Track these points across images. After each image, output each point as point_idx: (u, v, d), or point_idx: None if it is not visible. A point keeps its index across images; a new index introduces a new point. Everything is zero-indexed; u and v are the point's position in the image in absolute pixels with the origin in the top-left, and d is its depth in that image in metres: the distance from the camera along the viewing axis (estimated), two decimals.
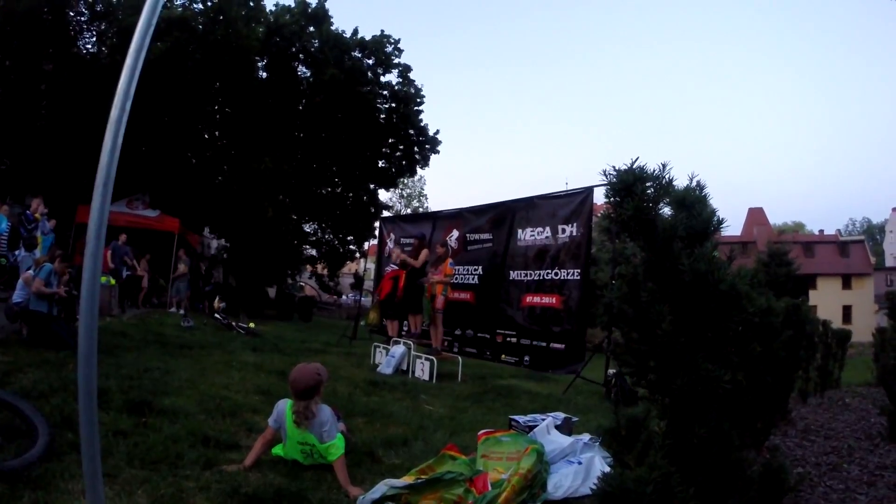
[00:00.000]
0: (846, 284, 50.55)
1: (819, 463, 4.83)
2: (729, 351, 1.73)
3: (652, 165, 1.97)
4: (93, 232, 1.81)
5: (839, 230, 66.34)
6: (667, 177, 1.90)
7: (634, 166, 1.91)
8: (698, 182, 1.91)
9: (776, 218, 73.48)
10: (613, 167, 2.01)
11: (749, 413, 1.78)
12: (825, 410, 7.89)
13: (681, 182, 1.97)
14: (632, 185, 1.87)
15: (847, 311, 47.83)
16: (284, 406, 3.94)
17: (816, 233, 62.20)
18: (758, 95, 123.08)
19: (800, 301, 6.68)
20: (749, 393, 1.78)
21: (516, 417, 4.48)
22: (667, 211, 1.86)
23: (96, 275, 1.82)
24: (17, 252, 11.25)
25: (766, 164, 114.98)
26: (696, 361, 1.68)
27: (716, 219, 1.87)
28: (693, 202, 1.85)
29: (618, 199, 1.91)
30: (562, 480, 3.40)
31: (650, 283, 1.83)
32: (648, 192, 1.84)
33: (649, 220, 1.82)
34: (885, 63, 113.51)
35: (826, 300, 45.91)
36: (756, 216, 57.89)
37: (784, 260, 8.87)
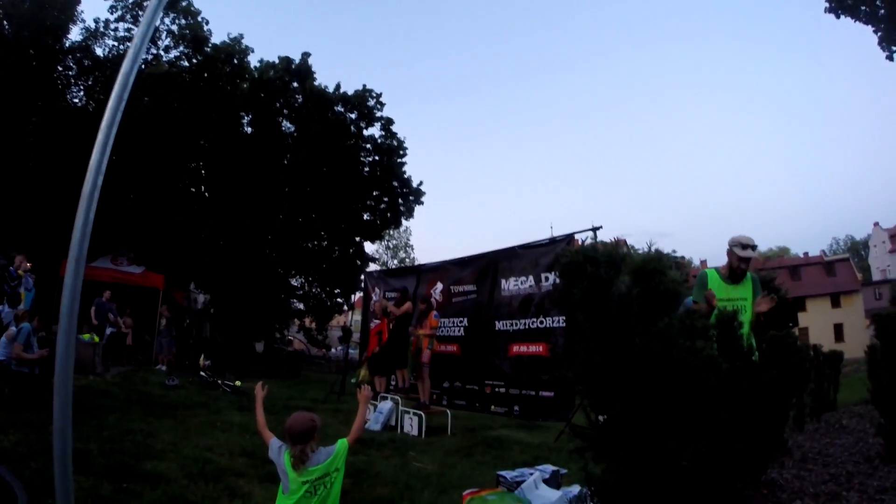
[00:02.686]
0: (835, 303, 50.65)
1: (818, 493, 4.72)
2: (691, 423, 1.72)
3: (615, 231, 1.99)
4: (65, 308, 1.83)
5: (823, 250, 66.94)
6: (621, 252, 1.92)
7: (586, 244, 1.94)
8: (657, 250, 1.91)
9: (760, 245, 73.55)
10: (567, 243, 2.04)
11: (724, 478, 1.75)
12: (822, 435, 7.79)
13: (650, 230, 1.99)
14: (582, 265, 1.87)
15: (839, 329, 47.82)
16: (284, 456, 3.90)
17: (801, 255, 62.71)
18: (734, 126, 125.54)
19: (784, 333, 6.71)
20: (722, 458, 1.76)
21: (504, 473, 4.43)
22: (623, 283, 1.85)
23: (70, 353, 1.83)
24: (0, 307, 11.12)
25: (744, 194, 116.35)
26: (654, 440, 1.67)
27: (675, 288, 1.86)
28: (651, 272, 1.85)
29: (567, 280, 1.91)
30: None
31: (605, 363, 1.82)
32: (599, 272, 1.84)
33: (602, 299, 1.81)
34: (853, 81, 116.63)
35: (816, 321, 46.23)
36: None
37: (770, 287, 8.97)
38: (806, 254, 62.13)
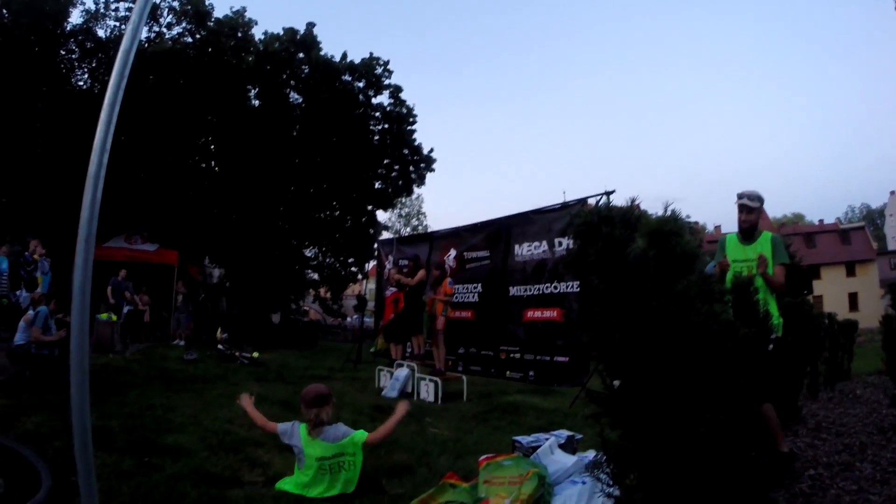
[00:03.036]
0: (850, 272, 50.14)
1: (831, 463, 4.73)
2: (710, 388, 1.67)
3: (628, 194, 1.92)
4: (77, 287, 1.82)
5: (839, 218, 65.87)
6: (636, 213, 1.86)
7: (600, 205, 1.88)
8: (673, 211, 1.84)
9: (775, 211, 72.65)
10: (582, 204, 1.99)
11: (736, 448, 1.70)
12: (836, 405, 7.82)
13: (663, 193, 1.91)
14: (597, 225, 1.81)
15: (853, 299, 47.48)
16: (298, 428, 3.97)
17: (816, 223, 61.82)
18: (748, 92, 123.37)
19: (799, 301, 6.64)
20: (737, 429, 1.71)
21: (519, 438, 4.44)
22: (639, 244, 1.78)
23: (84, 332, 1.83)
24: (18, 292, 11.29)
25: (759, 158, 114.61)
26: (671, 405, 1.63)
27: (693, 251, 1.78)
28: (668, 234, 1.77)
29: (581, 241, 1.85)
30: (566, 502, 3.37)
31: (620, 327, 1.77)
32: (615, 233, 1.78)
33: (617, 260, 1.75)
34: (869, 47, 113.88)
35: (831, 289, 45.94)
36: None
37: None
38: (821, 221, 60.98)
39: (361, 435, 3.80)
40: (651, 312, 1.71)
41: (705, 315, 1.69)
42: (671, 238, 1.76)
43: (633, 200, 1.89)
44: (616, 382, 2.02)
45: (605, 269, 1.82)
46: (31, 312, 7.96)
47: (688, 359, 1.70)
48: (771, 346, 4.19)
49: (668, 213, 1.85)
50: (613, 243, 1.77)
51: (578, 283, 8.90)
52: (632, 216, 1.86)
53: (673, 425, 1.65)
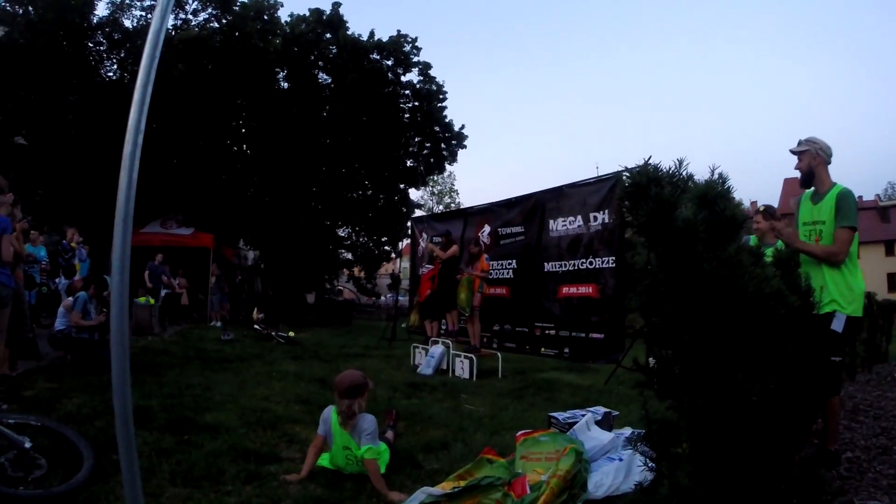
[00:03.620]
0: (889, 251, 48.31)
1: (868, 446, 4.65)
2: (760, 357, 1.60)
3: (668, 162, 1.83)
4: (116, 268, 1.81)
5: (878, 195, 63.12)
6: (684, 173, 1.76)
7: (648, 165, 1.78)
8: (720, 174, 1.75)
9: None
10: (626, 168, 1.89)
11: (785, 420, 1.64)
12: (874, 387, 7.68)
13: (701, 168, 1.82)
14: (645, 186, 1.73)
15: (892, 279, 45.87)
16: (329, 412, 3.99)
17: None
18: (786, 64, 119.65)
19: None
20: (785, 398, 1.64)
21: (556, 415, 4.40)
22: (687, 208, 1.71)
23: (123, 316, 1.82)
24: (57, 280, 11.60)
25: (797, 133, 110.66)
26: (722, 373, 1.57)
27: (742, 215, 1.70)
28: (716, 197, 1.69)
29: (630, 203, 1.77)
30: (603, 479, 3.32)
31: (670, 292, 1.69)
32: (664, 193, 1.69)
33: (666, 222, 1.67)
34: None
35: (869, 269, 44.17)
36: (792, 187, 55.67)
37: None
38: (860, 197, 58.56)
39: (367, 453, 3.76)
40: (702, 276, 1.63)
41: (759, 279, 1.62)
42: (719, 201, 1.69)
43: (680, 162, 1.80)
44: (655, 357, 1.96)
45: (653, 232, 1.74)
46: (70, 298, 8.13)
47: (738, 325, 1.63)
48: (840, 326, 3.82)
49: (716, 175, 1.77)
50: (663, 204, 1.69)
51: (614, 258, 8.77)
52: (679, 178, 1.78)
53: (724, 394, 1.59)
